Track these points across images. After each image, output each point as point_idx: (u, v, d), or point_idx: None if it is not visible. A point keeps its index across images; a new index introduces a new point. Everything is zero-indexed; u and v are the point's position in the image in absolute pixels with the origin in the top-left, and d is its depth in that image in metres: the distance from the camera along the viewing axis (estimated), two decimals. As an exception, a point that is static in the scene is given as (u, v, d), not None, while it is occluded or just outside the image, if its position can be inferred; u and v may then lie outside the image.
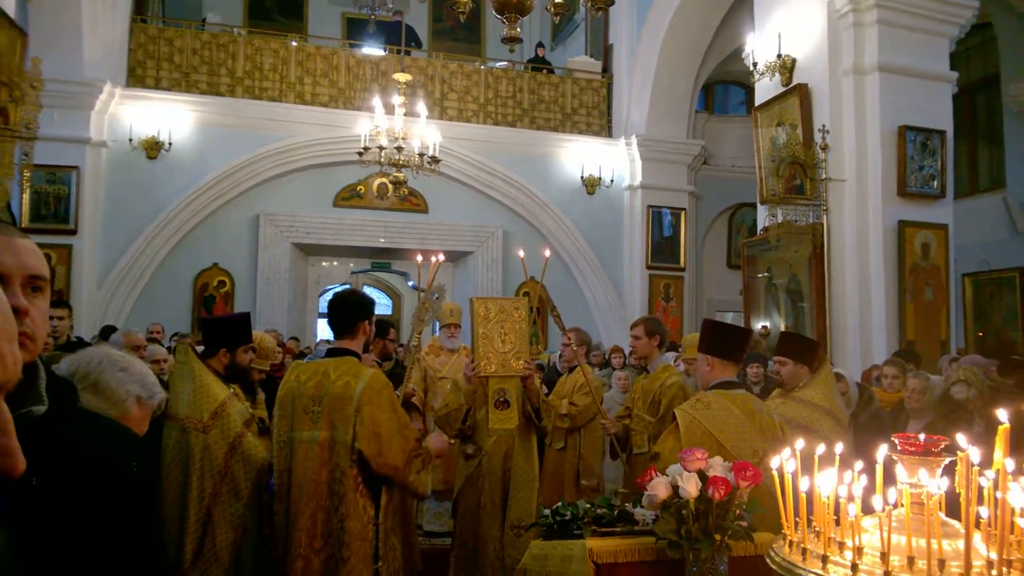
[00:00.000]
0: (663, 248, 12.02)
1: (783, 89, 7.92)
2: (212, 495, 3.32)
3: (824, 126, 7.32)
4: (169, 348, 6.60)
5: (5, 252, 1.24)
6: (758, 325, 8.35)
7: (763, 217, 8.07)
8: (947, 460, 1.72)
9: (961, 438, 1.66)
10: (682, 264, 12.13)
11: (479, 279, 11.64)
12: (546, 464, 5.50)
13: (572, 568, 2.67)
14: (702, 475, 2.46)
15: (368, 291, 16.83)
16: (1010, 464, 1.49)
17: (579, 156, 12.05)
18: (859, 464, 1.78)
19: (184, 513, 3.28)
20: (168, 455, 3.34)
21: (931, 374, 5.17)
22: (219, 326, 4.02)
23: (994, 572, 1.51)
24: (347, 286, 14.59)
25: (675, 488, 2.47)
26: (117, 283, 10.03)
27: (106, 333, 6.97)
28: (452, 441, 4.43)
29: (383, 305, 18.26)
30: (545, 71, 12.68)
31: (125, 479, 1.40)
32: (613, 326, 11.59)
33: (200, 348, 3.94)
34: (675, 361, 6.51)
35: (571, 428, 5.56)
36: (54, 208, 9.56)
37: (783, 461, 1.85)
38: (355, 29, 15.38)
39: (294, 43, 11.49)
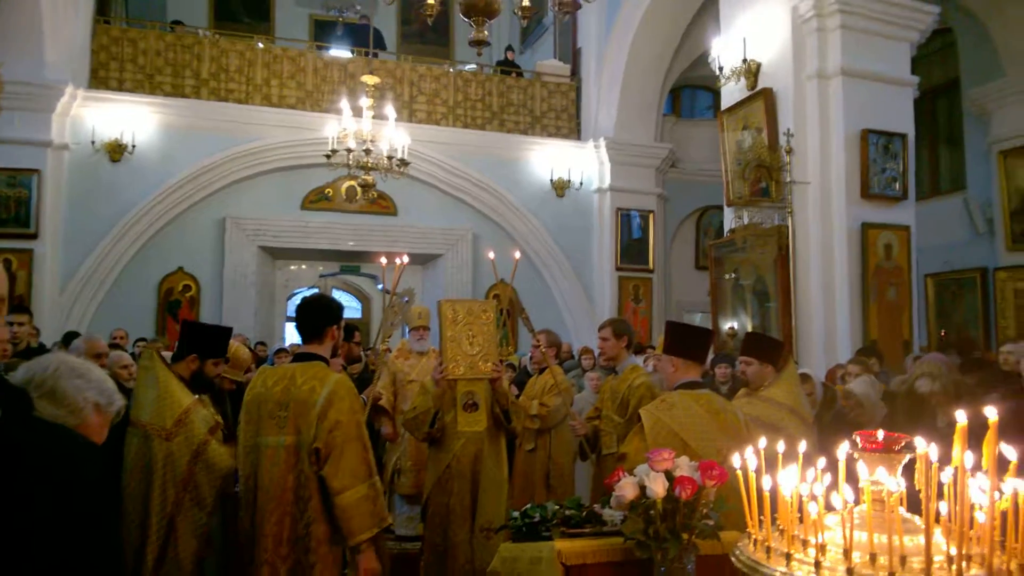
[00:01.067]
0: (632, 250, 12.09)
1: (749, 93, 8.01)
2: (175, 503, 3.26)
3: (789, 130, 7.41)
4: (133, 354, 6.49)
5: None
6: (726, 325, 8.43)
7: (730, 219, 8.15)
8: (907, 457, 1.75)
9: (920, 440, 1.68)
10: (651, 266, 12.20)
11: (448, 281, 11.59)
12: (516, 466, 5.50)
13: (541, 570, 2.66)
14: (669, 475, 2.47)
15: (337, 294, 16.71)
16: (969, 460, 1.51)
17: (548, 159, 12.08)
18: (822, 462, 1.80)
19: (146, 521, 3.21)
20: (130, 462, 3.27)
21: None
22: (198, 331, 4.00)
23: (954, 567, 1.53)
24: (315, 290, 14.48)
25: (643, 488, 2.48)
26: (80, 288, 9.84)
27: (68, 339, 6.83)
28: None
29: (352, 308, 18.12)
30: (514, 74, 12.69)
31: (80, 488, 1.37)
32: (583, 327, 11.60)
33: (167, 353, 3.88)
34: (644, 362, 6.56)
35: (541, 429, 5.56)
36: (15, 212, 9.37)
37: (745, 459, 1.87)
38: (323, 31, 15.30)
39: (260, 45, 11.38)
